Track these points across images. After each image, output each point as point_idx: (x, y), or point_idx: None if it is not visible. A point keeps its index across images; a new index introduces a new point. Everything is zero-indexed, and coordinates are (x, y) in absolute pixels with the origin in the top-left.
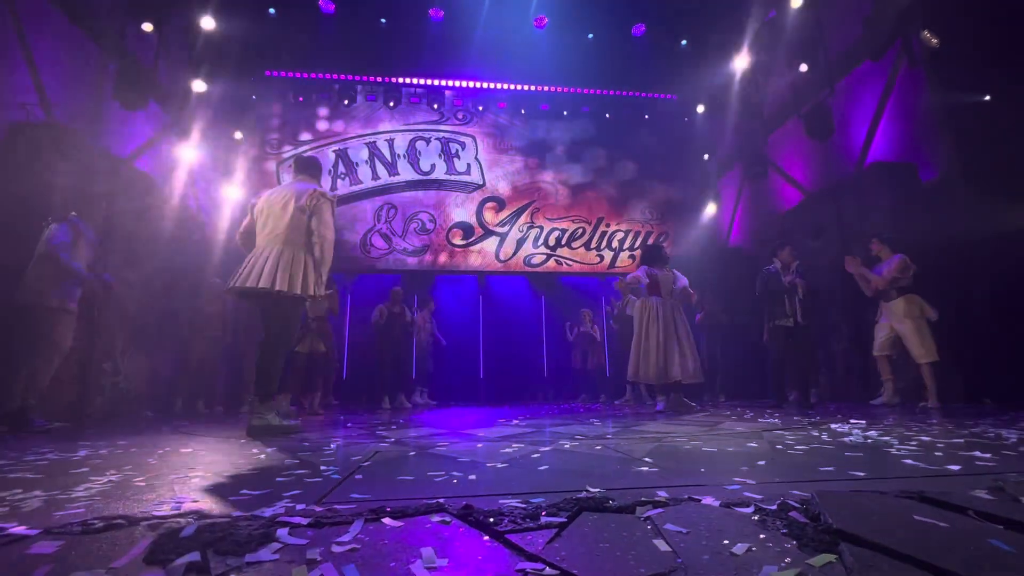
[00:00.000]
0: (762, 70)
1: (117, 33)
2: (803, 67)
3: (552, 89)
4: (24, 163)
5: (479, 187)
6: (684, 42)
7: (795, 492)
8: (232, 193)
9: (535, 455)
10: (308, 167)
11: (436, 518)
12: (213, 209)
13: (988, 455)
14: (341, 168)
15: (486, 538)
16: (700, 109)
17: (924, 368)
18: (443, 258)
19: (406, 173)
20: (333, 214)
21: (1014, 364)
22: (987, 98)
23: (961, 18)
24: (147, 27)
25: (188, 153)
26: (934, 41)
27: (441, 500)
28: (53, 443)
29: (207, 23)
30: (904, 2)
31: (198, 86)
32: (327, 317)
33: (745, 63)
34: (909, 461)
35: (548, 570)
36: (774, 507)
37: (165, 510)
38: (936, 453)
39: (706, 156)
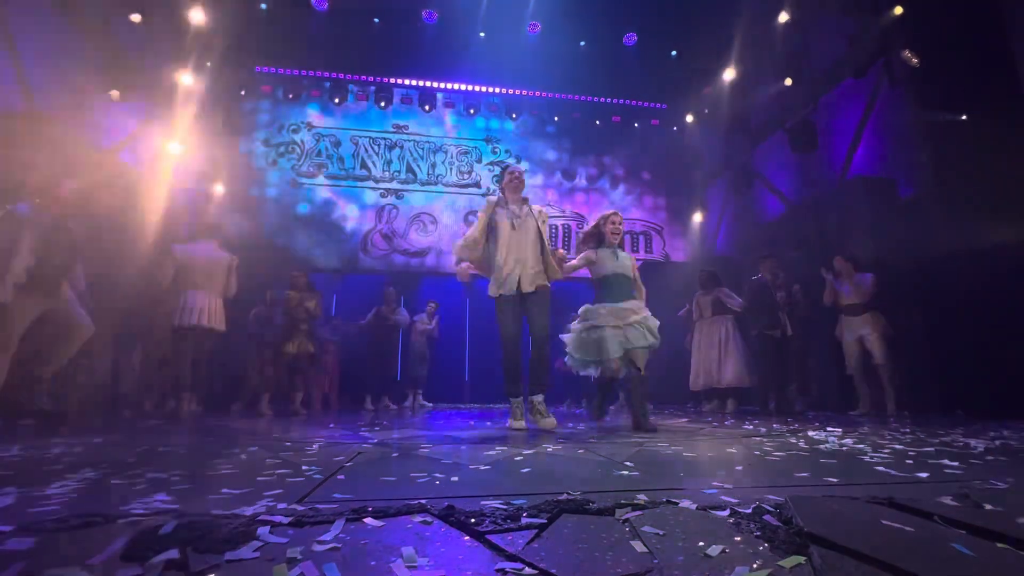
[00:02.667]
0: (749, 83)
1: (103, 23)
2: (788, 82)
3: (544, 94)
4: (2, 152)
5: (478, 190)
6: (674, 52)
7: (770, 496)
8: (219, 188)
9: (518, 458)
10: (218, 233)
11: (418, 518)
12: (199, 204)
13: (956, 463)
14: (336, 161)
15: (467, 538)
16: (689, 119)
17: (883, 374)
18: (441, 260)
19: (405, 174)
20: None
21: (986, 375)
22: (964, 117)
23: (941, 39)
24: (135, 18)
25: (174, 147)
26: (914, 61)
27: (423, 501)
28: (24, 440)
29: (196, 16)
30: (886, 22)
31: (185, 79)
32: (311, 319)
33: (733, 76)
34: (881, 468)
35: (527, 570)
36: (749, 511)
37: (143, 508)
38: (907, 461)
39: (693, 164)
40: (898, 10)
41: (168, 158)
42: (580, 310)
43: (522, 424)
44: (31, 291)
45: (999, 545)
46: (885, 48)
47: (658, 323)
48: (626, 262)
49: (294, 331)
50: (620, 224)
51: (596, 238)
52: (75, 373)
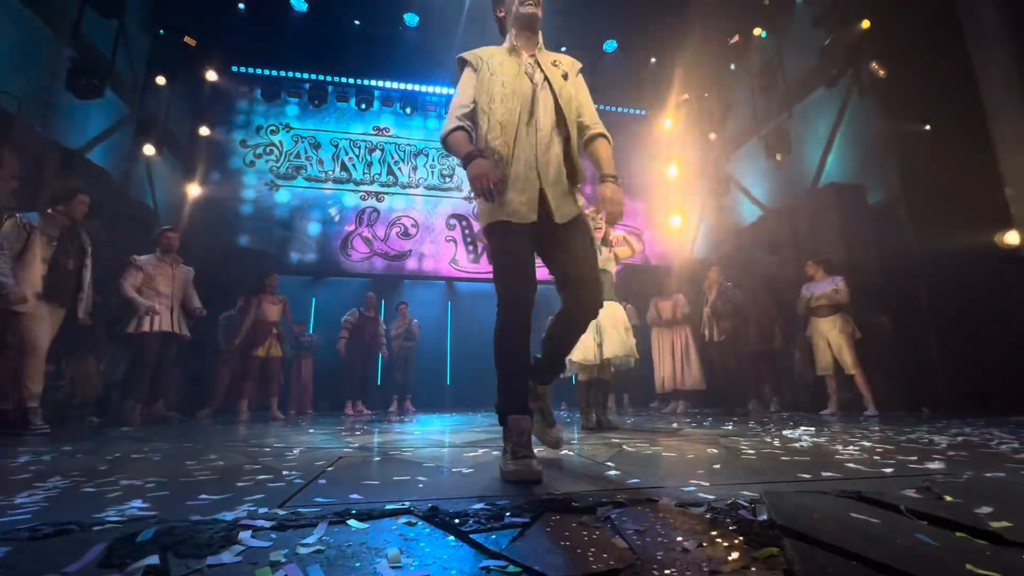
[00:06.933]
0: (726, 91)
1: (73, 19)
2: (762, 90)
3: None
4: None
5: (459, 193)
6: (653, 60)
7: (745, 493)
8: (193, 190)
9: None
10: (177, 245)
11: (402, 520)
12: (171, 206)
13: (920, 459)
14: (315, 163)
15: (451, 538)
16: (668, 125)
17: (858, 378)
18: (421, 264)
19: (386, 177)
20: None
21: (949, 375)
22: (928, 127)
23: (907, 52)
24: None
25: (146, 147)
26: (882, 72)
27: (407, 503)
28: None
29: (172, 13)
30: (856, 35)
31: (159, 78)
32: (280, 322)
33: (710, 84)
34: (851, 464)
35: (511, 567)
36: (725, 507)
37: (119, 515)
38: (875, 457)
39: (673, 170)
40: (866, 23)
41: (140, 159)
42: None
43: (531, 468)
44: (47, 299)
45: (958, 534)
46: (855, 59)
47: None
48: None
49: (266, 335)
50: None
51: None
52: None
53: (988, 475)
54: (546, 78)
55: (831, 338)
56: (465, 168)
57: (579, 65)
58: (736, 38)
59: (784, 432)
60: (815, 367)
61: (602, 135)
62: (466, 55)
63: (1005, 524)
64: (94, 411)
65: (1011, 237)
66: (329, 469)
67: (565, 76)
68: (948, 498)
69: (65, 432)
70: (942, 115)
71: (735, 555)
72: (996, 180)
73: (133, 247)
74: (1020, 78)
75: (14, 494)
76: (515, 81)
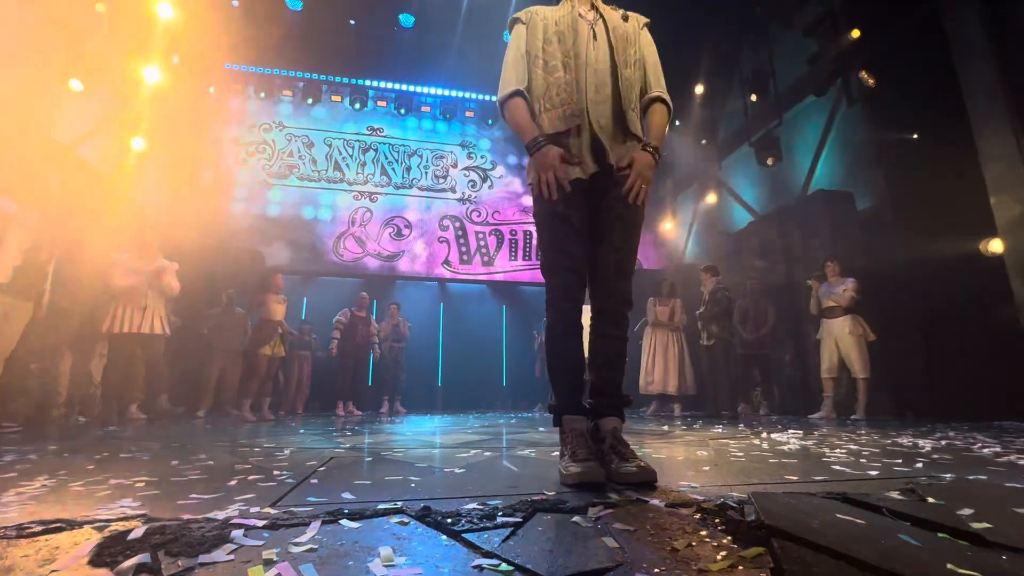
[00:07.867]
0: (718, 98)
1: (65, 10)
2: (753, 97)
3: None
4: None
5: (453, 195)
6: None
7: (734, 494)
8: (184, 188)
9: (493, 460)
10: (155, 241)
11: (394, 519)
12: (163, 204)
13: (904, 461)
14: (308, 162)
15: (444, 537)
16: None
17: (861, 382)
18: (413, 265)
19: (380, 177)
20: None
21: (933, 380)
22: (915, 136)
23: (895, 62)
24: (99, 7)
25: (137, 144)
26: (871, 81)
27: (399, 502)
28: None
29: (164, 8)
30: (845, 44)
31: (152, 74)
32: (284, 322)
33: (702, 90)
34: (837, 467)
35: (503, 566)
36: (714, 507)
37: (109, 514)
38: (861, 460)
39: (667, 181)
40: (855, 33)
41: (131, 155)
42: None
43: (594, 470)
44: (16, 292)
45: (939, 535)
46: (844, 68)
47: None
48: None
49: (271, 334)
50: None
51: None
52: (25, 378)
53: (970, 477)
54: (601, 16)
55: (840, 340)
56: (529, 154)
57: (646, 20)
58: (728, 45)
59: (773, 435)
60: (821, 368)
61: (660, 100)
62: (517, 13)
63: (986, 525)
64: (80, 410)
65: (995, 245)
66: (321, 469)
67: (625, 18)
68: (931, 500)
69: (50, 431)
70: (928, 124)
71: (723, 554)
72: (980, 189)
73: (123, 245)
74: (1003, 90)
75: (1, 493)
76: (568, 18)
